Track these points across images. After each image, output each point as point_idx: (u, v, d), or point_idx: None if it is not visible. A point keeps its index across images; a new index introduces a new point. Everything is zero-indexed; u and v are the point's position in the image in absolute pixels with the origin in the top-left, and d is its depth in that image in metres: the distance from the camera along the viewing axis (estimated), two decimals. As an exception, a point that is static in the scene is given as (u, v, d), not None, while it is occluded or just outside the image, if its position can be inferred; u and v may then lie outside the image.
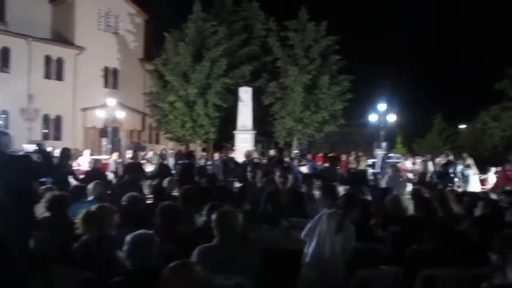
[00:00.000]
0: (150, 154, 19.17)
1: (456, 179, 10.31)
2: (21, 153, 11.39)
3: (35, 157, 5.40)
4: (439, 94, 44.38)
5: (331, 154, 16.33)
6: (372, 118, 23.54)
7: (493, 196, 7.34)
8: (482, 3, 49.67)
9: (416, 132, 38.49)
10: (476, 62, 47.67)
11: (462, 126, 40.40)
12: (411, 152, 26.24)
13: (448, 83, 45.45)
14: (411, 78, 46.84)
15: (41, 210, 5.45)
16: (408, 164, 16.68)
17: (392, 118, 23.53)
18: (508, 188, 8.47)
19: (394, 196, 4.70)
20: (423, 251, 3.53)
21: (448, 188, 8.19)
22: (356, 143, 38.47)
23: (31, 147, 4.60)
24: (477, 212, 4.86)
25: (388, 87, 30.05)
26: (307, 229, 3.74)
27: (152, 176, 9.23)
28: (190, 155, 10.08)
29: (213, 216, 3.32)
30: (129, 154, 13.10)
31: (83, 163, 13.44)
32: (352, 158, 15.78)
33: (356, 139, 41.69)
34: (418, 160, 15.63)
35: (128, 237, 2.77)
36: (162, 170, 9.24)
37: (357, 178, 8.34)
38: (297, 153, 12.19)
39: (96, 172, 8.35)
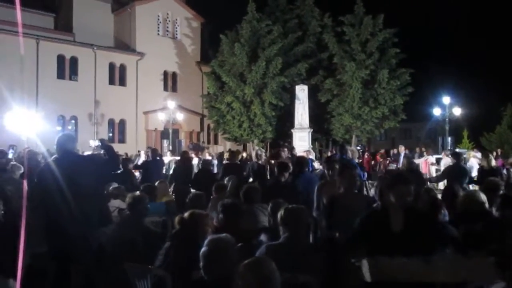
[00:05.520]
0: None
1: None
2: (86, 153, 12.00)
3: (100, 153, 5.61)
4: (509, 82, 41.50)
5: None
6: (436, 112, 22.46)
7: None
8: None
9: (484, 125, 36.18)
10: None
11: (536, 118, 37.51)
12: (479, 147, 24.79)
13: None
14: (477, 68, 44.31)
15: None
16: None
17: (457, 111, 22.34)
18: None
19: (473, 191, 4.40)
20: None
21: None
22: (418, 138, 37.01)
23: (96, 143, 4.83)
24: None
25: (451, 78, 28.58)
26: None
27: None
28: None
29: (280, 213, 3.26)
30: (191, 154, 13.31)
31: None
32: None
33: (418, 134, 40.06)
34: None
35: (207, 240, 2.67)
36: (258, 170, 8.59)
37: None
38: (359, 149, 11.85)
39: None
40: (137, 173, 10.94)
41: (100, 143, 4.54)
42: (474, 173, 10.59)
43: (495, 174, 7.32)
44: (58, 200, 3.72)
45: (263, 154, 9.77)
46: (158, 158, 10.42)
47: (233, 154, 9.77)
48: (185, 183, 8.20)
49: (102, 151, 4.72)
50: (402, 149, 16.84)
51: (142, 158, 15.33)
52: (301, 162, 6.66)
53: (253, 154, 9.05)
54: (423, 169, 14.71)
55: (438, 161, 15.63)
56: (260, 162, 8.57)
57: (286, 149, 10.35)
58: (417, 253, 2.69)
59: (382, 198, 3.26)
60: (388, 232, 2.92)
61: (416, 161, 15.67)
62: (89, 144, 13.64)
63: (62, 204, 3.69)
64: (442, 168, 13.55)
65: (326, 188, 5.25)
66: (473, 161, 13.63)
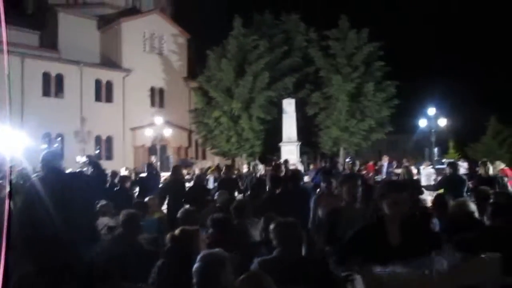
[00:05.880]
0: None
1: None
2: (70, 169, 11.82)
3: (87, 170, 5.53)
4: (493, 94, 42.26)
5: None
6: (422, 123, 22.68)
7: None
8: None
9: (470, 135, 36.72)
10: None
11: (519, 128, 38.17)
12: (465, 157, 25.07)
13: (502, 82, 43.33)
14: (462, 79, 45.11)
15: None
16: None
17: (443, 122, 22.55)
18: None
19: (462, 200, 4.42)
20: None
21: None
22: (405, 150, 37.32)
23: (83, 159, 4.75)
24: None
25: (437, 90, 29.05)
26: None
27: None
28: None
29: (272, 227, 3.23)
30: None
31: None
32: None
33: (405, 146, 40.42)
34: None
35: (199, 256, 2.63)
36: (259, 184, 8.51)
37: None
38: (349, 161, 11.87)
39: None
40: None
41: (87, 159, 4.48)
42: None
43: (492, 182, 7.45)
44: (46, 218, 3.64)
45: (261, 167, 9.87)
46: (154, 172, 10.28)
47: (229, 168, 9.75)
48: (176, 199, 8.06)
49: (89, 167, 4.66)
50: (385, 160, 17.08)
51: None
52: (297, 175, 6.66)
53: (251, 168, 9.10)
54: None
55: (418, 171, 15.87)
56: (257, 175, 8.56)
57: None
58: (415, 265, 2.58)
59: (378, 210, 3.10)
60: (385, 245, 2.78)
61: (397, 171, 16.00)
62: (75, 160, 13.48)
63: (50, 222, 3.62)
64: (423, 179, 13.97)
65: (322, 200, 5.21)
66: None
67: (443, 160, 19.77)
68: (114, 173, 9.59)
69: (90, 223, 4.07)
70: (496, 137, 36.60)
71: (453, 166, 8.04)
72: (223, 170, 10.41)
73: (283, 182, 6.16)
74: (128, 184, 8.91)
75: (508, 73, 44.82)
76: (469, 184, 7.93)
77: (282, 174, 7.85)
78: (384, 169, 15.99)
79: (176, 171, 9.01)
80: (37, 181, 3.89)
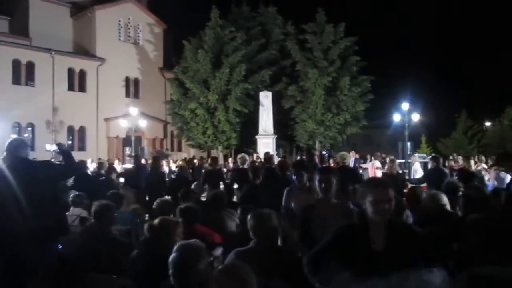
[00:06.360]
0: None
1: None
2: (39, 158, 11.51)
3: (58, 157, 5.36)
4: (463, 90, 43.44)
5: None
6: (395, 118, 23.04)
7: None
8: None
9: (441, 131, 37.62)
10: (500, 56, 46.63)
11: (488, 124, 39.39)
12: (436, 152, 25.67)
13: (472, 78, 44.60)
14: (434, 75, 46.20)
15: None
16: None
17: (416, 117, 22.98)
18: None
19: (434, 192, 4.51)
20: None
21: None
22: (379, 145, 37.95)
23: (53, 147, 4.55)
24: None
25: (410, 85, 29.38)
26: None
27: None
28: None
29: (248, 218, 3.23)
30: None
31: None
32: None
33: (379, 140, 41.11)
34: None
35: (175, 247, 2.59)
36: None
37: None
38: (325, 154, 12.04)
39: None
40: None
41: (57, 148, 4.33)
42: (418, 176, 11.48)
43: (475, 177, 7.66)
44: (10, 208, 3.50)
45: (249, 159, 9.91)
46: (140, 165, 10.08)
47: (214, 160, 9.72)
48: (157, 191, 7.83)
49: (59, 156, 4.52)
50: (352, 155, 17.41)
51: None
52: (284, 165, 6.78)
53: (238, 160, 9.07)
54: (370, 173, 15.40)
55: (383, 166, 16.28)
56: (244, 167, 8.50)
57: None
58: (399, 279, 2.26)
59: (361, 211, 2.73)
60: (367, 251, 2.46)
61: (364, 165, 16.36)
62: (45, 149, 13.13)
63: (14, 213, 3.48)
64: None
65: (293, 194, 5.16)
66: (417, 165, 14.53)
67: (416, 155, 20.13)
68: (82, 162, 9.38)
69: (57, 214, 3.93)
70: (466, 133, 37.65)
71: (436, 159, 8.25)
72: (209, 161, 10.37)
73: (264, 173, 6.19)
74: (114, 175, 8.79)
75: (478, 70, 46.14)
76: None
77: (273, 166, 7.94)
78: (352, 164, 16.08)
79: (156, 162, 8.86)
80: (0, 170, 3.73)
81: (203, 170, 9.82)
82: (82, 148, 29.91)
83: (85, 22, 31.23)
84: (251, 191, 6.20)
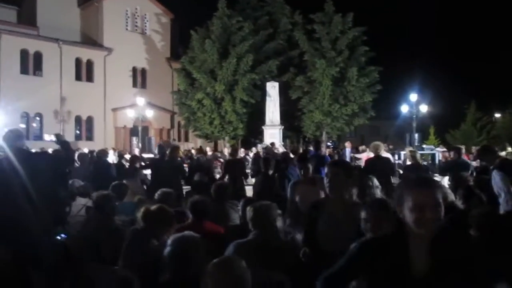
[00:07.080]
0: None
1: None
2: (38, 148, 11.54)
3: (56, 148, 5.36)
4: (473, 81, 42.87)
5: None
6: (403, 109, 22.86)
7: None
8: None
9: (450, 122, 37.27)
10: (510, 47, 45.93)
11: (498, 115, 38.95)
12: (445, 144, 25.45)
13: (481, 69, 43.99)
14: (443, 66, 45.66)
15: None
16: None
17: (424, 108, 22.77)
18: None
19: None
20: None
21: None
22: (386, 136, 37.69)
23: (51, 138, 4.55)
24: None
25: (419, 76, 29.19)
26: None
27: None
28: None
29: (248, 210, 3.21)
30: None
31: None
32: None
33: (387, 131, 40.83)
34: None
35: (170, 240, 2.57)
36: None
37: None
38: (330, 146, 12.06)
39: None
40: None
41: (55, 138, 4.34)
42: None
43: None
44: (10, 199, 3.53)
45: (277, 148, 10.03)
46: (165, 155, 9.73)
47: (234, 150, 9.64)
48: (173, 181, 7.28)
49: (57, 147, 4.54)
50: (348, 145, 17.37)
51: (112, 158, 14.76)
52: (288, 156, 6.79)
53: (260, 150, 9.07)
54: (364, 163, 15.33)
55: (399, 156, 16.15)
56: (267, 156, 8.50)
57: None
58: None
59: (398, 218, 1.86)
60: (404, 276, 1.76)
61: (358, 155, 16.12)
62: (44, 138, 13.27)
63: (14, 204, 3.50)
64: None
65: (298, 188, 4.97)
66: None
67: (423, 146, 19.99)
68: (103, 152, 9.45)
69: (56, 205, 3.95)
70: (475, 124, 37.28)
71: (457, 150, 8.19)
72: (230, 151, 10.29)
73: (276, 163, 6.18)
74: (137, 165, 8.74)
75: (488, 61, 45.50)
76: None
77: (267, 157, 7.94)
78: (347, 154, 16.46)
79: (174, 152, 8.46)
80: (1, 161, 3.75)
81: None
82: (89, 138, 30.08)
83: (93, 12, 31.22)
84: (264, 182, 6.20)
